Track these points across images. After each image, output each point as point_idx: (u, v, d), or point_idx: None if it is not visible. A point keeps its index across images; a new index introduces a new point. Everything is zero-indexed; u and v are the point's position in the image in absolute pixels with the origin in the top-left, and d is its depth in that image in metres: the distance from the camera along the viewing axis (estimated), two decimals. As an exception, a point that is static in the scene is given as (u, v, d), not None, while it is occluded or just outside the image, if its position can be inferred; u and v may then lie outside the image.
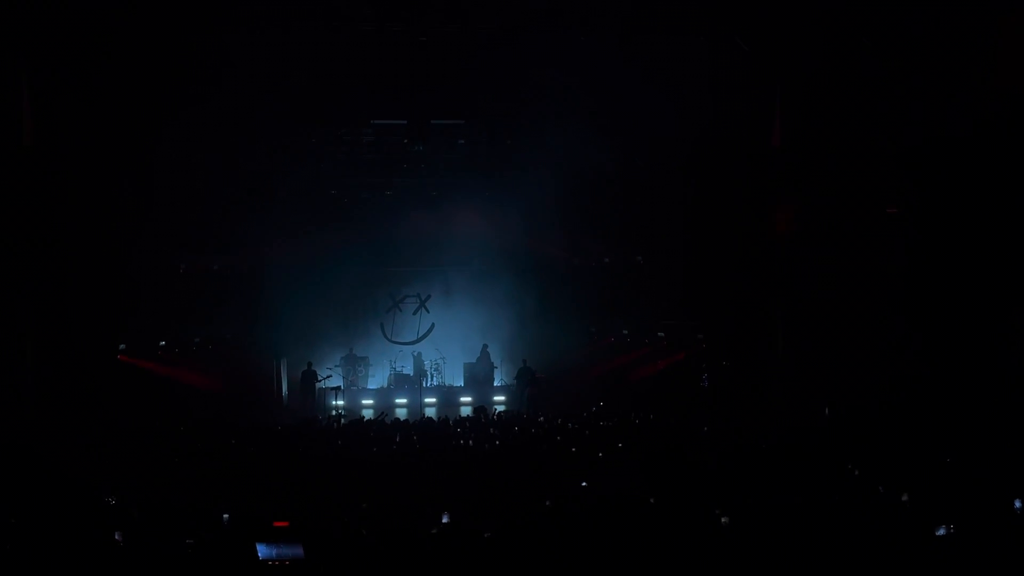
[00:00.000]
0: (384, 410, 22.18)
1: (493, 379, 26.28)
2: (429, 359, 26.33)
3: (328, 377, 24.52)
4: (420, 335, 27.06)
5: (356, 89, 20.68)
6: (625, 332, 26.21)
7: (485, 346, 26.20)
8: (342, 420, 20.02)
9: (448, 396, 25.47)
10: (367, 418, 21.11)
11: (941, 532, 8.25)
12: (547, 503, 10.52)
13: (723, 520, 9.17)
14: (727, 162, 21.28)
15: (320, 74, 20.06)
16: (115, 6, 17.77)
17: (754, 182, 20.72)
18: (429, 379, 25.93)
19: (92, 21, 17.99)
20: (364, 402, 24.90)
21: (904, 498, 9.68)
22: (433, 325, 27.01)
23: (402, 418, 20.88)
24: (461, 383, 26.33)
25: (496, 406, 23.94)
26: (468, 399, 25.12)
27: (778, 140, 19.97)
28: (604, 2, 18.31)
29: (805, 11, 18.13)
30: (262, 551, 7.79)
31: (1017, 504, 8.86)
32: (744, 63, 19.65)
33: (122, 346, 21.56)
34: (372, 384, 26.26)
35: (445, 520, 9.35)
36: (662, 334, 25.20)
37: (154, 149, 21.40)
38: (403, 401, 24.87)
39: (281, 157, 23.88)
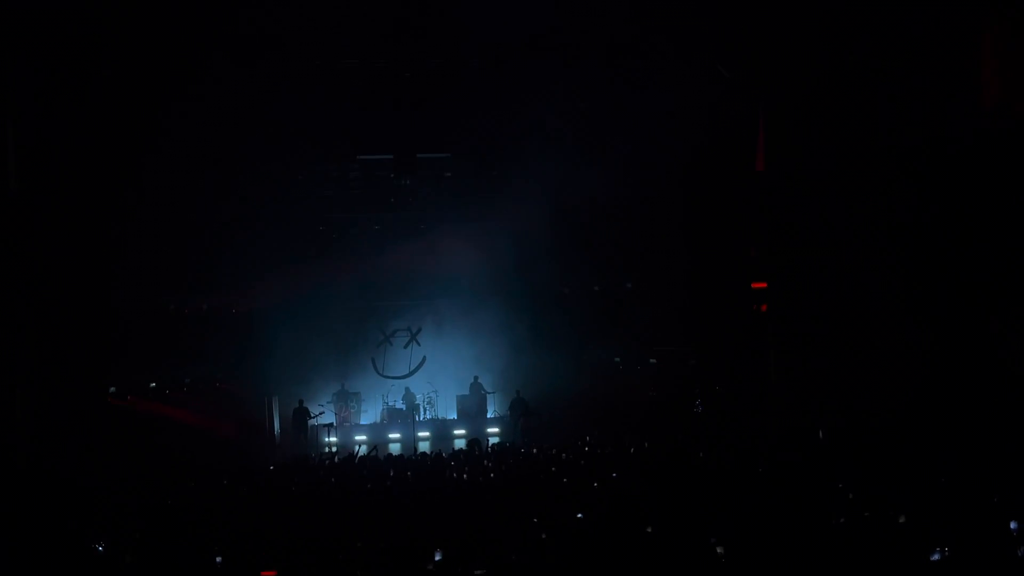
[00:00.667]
0: (375, 445, 22.03)
1: (486, 411, 26.20)
2: (421, 393, 26.24)
3: (320, 414, 24.40)
4: (412, 369, 26.99)
5: (342, 124, 20.76)
6: (617, 359, 26.18)
7: (476, 378, 26.15)
8: (335, 458, 19.88)
9: (442, 429, 25.35)
10: (360, 454, 20.96)
11: (936, 557, 8.20)
12: (542, 536, 10.45)
13: (719, 550, 9.11)
14: (714, 187, 21.37)
15: (306, 110, 20.13)
16: (96, 48, 17.81)
17: (740, 207, 20.79)
18: (422, 413, 25.82)
19: (74, 63, 18.03)
20: (357, 438, 24.75)
21: (901, 520, 9.64)
22: (424, 358, 26.96)
23: (395, 453, 20.78)
24: (454, 416, 26.22)
25: (490, 438, 23.86)
26: (462, 432, 25.01)
27: (762, 164, 20.08)
28: (585, 33, 18.43)
29: (783, 36, 18.29)
30: None
31: (1013, 525, 8.82)
32: (727, 88, 19.79)
33: (112, 388, 21.41)
34: (365, 420, 26.15)
35: (438, 558, 9.27)
36: (654, 360, 25.16)
37: (140, 189, 21.42)
38: (396, 436, 24.75)
39: (268, 194, 23.90)
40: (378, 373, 27.07)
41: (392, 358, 27.21)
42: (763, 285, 20.19)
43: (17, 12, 16.59)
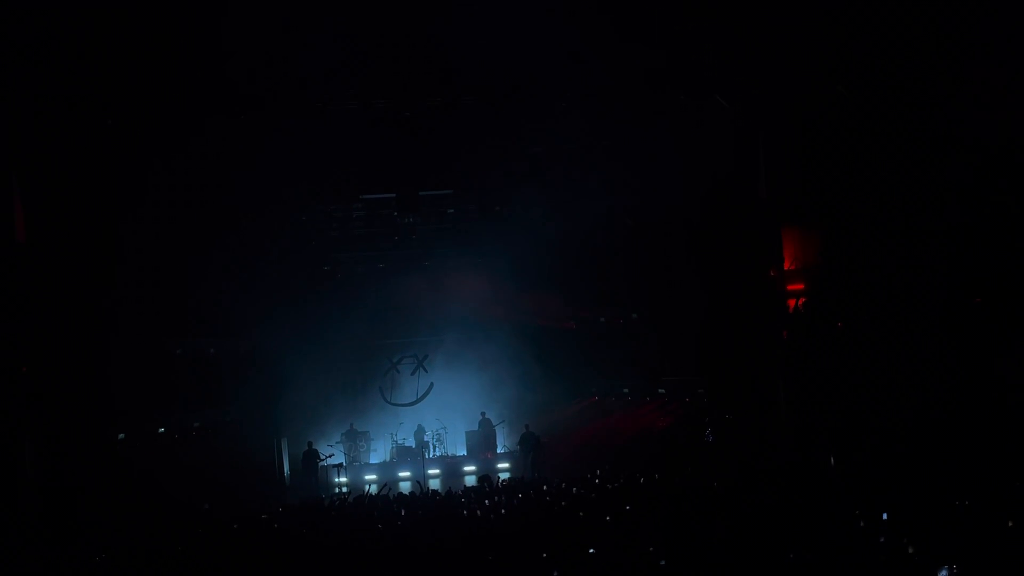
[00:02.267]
0: (388, 484, 21.93)
1: (496, 446, 26.14)
2: (431, 429, 26.19)
3: (330, 456, 24.33)
4: (419, 396, 26.94)
5: (344, 165, 20.89)
6: (625, 391, 26.13)
7: (483, 414, 26.11)
8: (347, 499, 19.80)
9: (452, 466, 25.28)
10: (371, 493, 20.91)
11: (943, 574, 8.16)
12: (555, 573, 10.38)
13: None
14: (716, 217, 21.41)
15: (307, 152, 20.26)
16: (100, 94, 17.98)
17: (743, 235, 20.81)
18: (431, 450, 25.74)
19: (78, 110, 18.20)
20: (367, 477, 24.68)
21: (910, 551, 9.58)
22: (432, 385, 26.91)
23: (406, 491, 20.69)
24: (464, 452, 26.15)
25: (500, 473, 23.76)
26: (472, 468, 24.92)
27: (764, 192, 20.13)
28: (582, 69, 18.56)
29: (779, 63, 18.41)
30: None
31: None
32: (726, 119, 19.88)
33: (121, 436, 21.38)
34: (374, 458, 26.09)
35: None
36: (663, 391, 25.09)
37: (145, 236, 21.52)
38: (406, 474, 24.66)
39: (273, 235, 24.01)
40: (386, 401, 27.05)
41: (400, 386, 27.19)
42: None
43: (19, 59, 16.78)
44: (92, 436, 19.34)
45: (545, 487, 18.34)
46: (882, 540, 10.36)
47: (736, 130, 19.82)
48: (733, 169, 20.29)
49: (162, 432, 23.36)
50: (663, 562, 10.39)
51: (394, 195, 22.83)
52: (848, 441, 18.06)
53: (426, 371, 27.02)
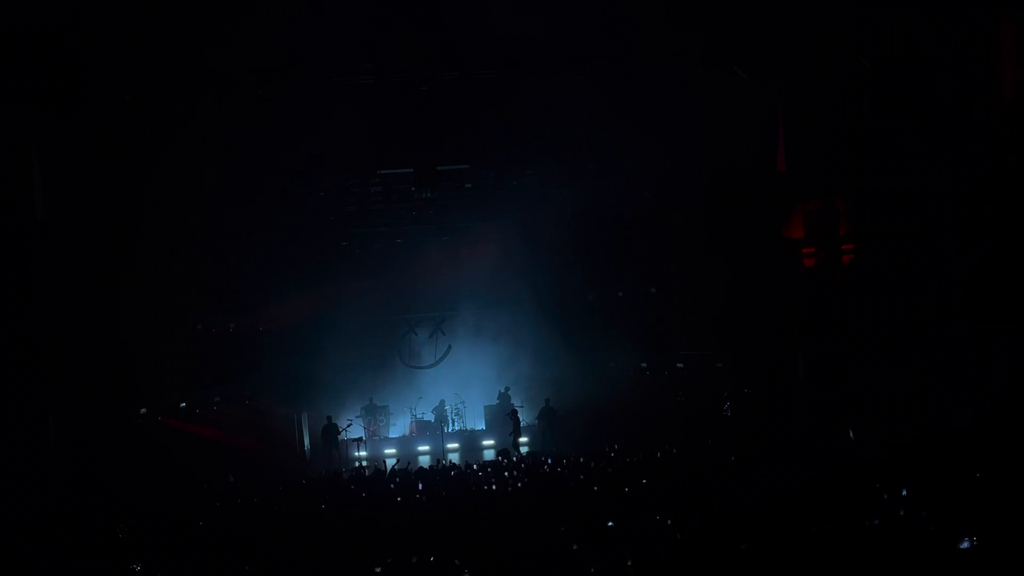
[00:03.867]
0: (408, 459, 22.08)
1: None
2: (450, 404, 26.30)
3: (348, 427, 24.46)
4: (437, 358, 27.02)
5: (361, 140, 20.82)
6: (644, 364, 26.11)
7: (507, 389, 26.18)
8: (365, 472, 19.94)
9: (470, 440, 25.39)
10: (391, 468, 21.04)
11: (965, 545, 8.14)
12: (574, 547, 10.42)
13: (748, 553, 9.06)
14: (736, 190, 21.27)
15: (325, 127, 20.21)
16: (119, 70, 17.98)
17: (763, 208, 20.67)
18: (450, 424, 25.85)
19: (98, 89, 18.21)
20: (386, 451, 24.82)
21: (932, 527, 9.55)
22: (450, 347, 27.02)
23: (425, 465, 20.81)
24: (483, 426, 26.25)
25: (520, 447, 23.84)
26: (491, 442, 25.02)
27: (783, 165, 19.95)
28: (602, 41, 18.39)
29: (799, 34, 18.20)
30: None
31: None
32: (745, 90, 19.69)
33: (143, 410, 21.57)
34: (393, 433, 26.25)
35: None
36: (681, 365, 25.06)
37: (165, 212, 21.61)
38: (425, 448, 24.78)
39: (291, 211, 24.04)
40: (404, 363, 27.17)
41: (417, 350, 27.29)
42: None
43: (39, 38, 16.80)
44: (114, 411, 19.50)
45: (563, 461, 18.39)
46: (902, 513, 10.33)
47: (755, 103, 19.62)
48: (752, 142, 20.12)
49: (183, 406, 23.55)
50: (680, 536, 10.41)
51: (411, 170, 22.74)
52: (867, 414, 17.99)
53: (443, 334, 27.09)
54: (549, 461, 18.60)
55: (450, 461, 20.31)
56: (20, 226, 18.24)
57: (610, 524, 11.63)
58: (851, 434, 17.74)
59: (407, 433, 26.06)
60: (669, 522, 11.37)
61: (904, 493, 11.42)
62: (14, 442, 17.33)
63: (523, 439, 25.14)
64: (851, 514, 10.75)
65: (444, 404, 26.20)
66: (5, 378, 17.67)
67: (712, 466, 16.08)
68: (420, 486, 16.15)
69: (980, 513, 9.63)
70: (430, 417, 26.01)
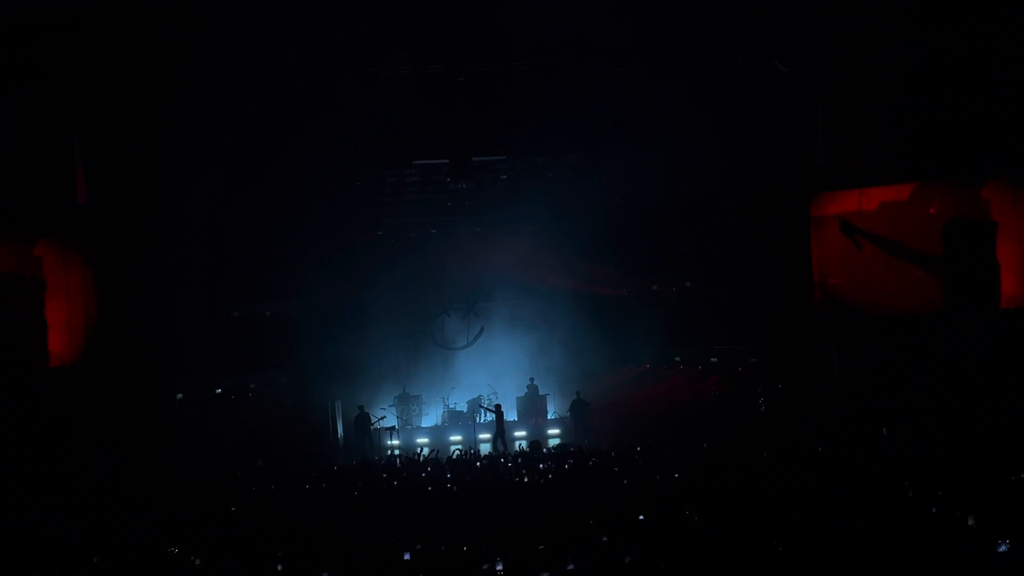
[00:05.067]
0: (438, 448, 22.19)
1: (546, 412, 26.24)
2: (484, 396, 26.39)
3: (381, 419, 24.60)
4: (470, 340, 27.11)
5: (397, 131, 20.90)
6: (677, 359, 26.00)
7: (532, 380, 26.22)
8: (397, 461, 20.08)
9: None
10: (422, 456, 21.19)
11: (1003, 548, 8.06)
12: (604, 539, 10.42)
13: (780, 550, 9.02)
14: (773, 183, 21.10)
15: (361, 117, 20.31)
16: (158, 62, 18.19)
17: (800, 201, 20.50)
18: (482, 415, 25.92)
19: (140, 79, 18.44)
20: (419, 440, 24.94)
21: (970, 522, 9.45)
22: (482, 329, 27.04)
23: (456, 455, 20.89)
24: (515, 417, 26.30)
25: (550, 439, 23.85)
26: (522, 434, 25.05)
27: (822, 158, 19.77)
28: (638, 30, 18.31)
29: (839, 28, 18.01)
30: None
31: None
32: (784, 83, 19.52)
33: (179, 395, 21.84)
34: (426, 422, 26.34)
35: (499, 568, 9.31)
36: (715, 359, 24.92)
37: (203, 199, 21.84)
38: (457, 438, 24.85)
39: (327, 200, 24.17)
40: (437, 345, 27.28)
41: (451, 330, 27.40)
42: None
43: (80, 25, 17.03)
44: (151, 396, 19.77)
45: (594, 454, 18.40)
46: (934, 511, 10.23)
47: (794, 94, 19.44)
48: (791, 135, 19.95)
49: (219, 393, 23.81)
50: (710, 533, 10.38)
51: (447, 160, 22.81)
52: (902, 412, 17.82)
53: (476, 316, 27.17)
54: (581, 454, 18.61)
55: (474, 451, 20.41)
56: (63, 211, 18.54)
57: (641, 518, 11.63)
58: (884, 431, 17.58)
59: (439, 423, 26.17)
60: (697, 518, 11.35)
61: (940, 493, 11.31)
62: (56, 425, 17.65)
63: (555, 431, 25.15)
64: (884, 513, 10.66)
65: (481, 399, 26.30)
66: (47, 363, 18.02)
67: (744, 462, 16.00)
68: (448, 475, 16.23)
69: (1019, 516, 9.51)
70: (463, 407, 26.09)
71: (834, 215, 19.78)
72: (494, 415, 23.80)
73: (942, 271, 18.55)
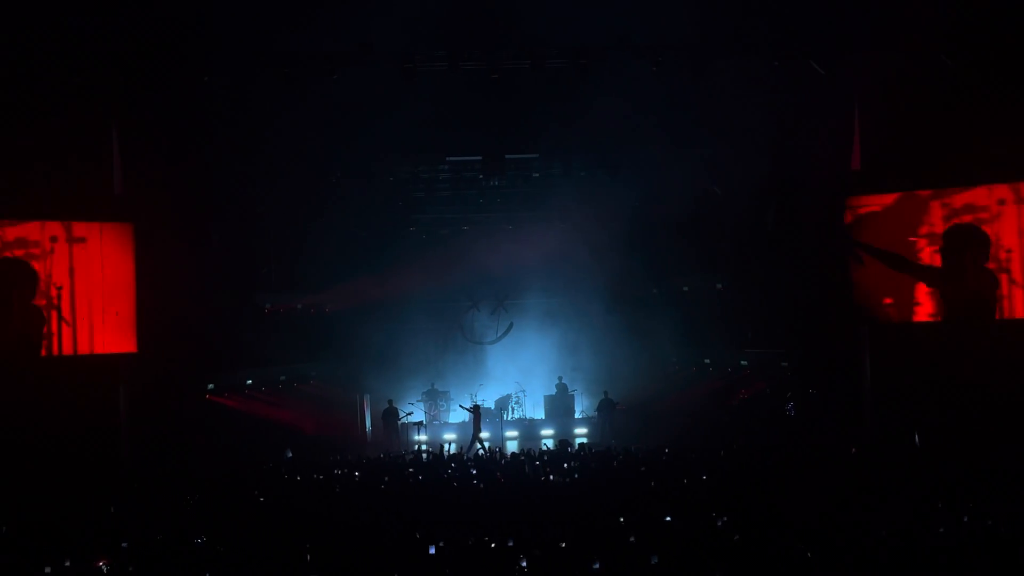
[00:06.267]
0: (462, 444, 22.25)
1: (574, 411, 26.21)
2: (512, 394, 26.42)
3: (409, 415, 24.68)
4: (499, 335, 27.15)
5: (431, 127, 20.95)
6: (707, 361, 25.86)
7: (560, 378, 26.20)
8: (424, 456, 20.15)
9: (529, 429, 25.44)
10: (449, 452, 21.25)
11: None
12: (631, 539, 10.40)
13: (808, 555, 8.96)
14: (808, 186, 20.92)
15: (395, 113, 20.38)
16: (197, 53, 18.35)
17: (834, 205, 20.29)
18: (510, 412, 25.95)
19: (178, 71, 18.60)
20: (446, 436, 25.02)
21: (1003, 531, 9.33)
22: (511, 324, 27.10)
23: (483, 452, 20.94)
24: (542, 415, 26.31)
25: (577, 438, 23.82)
26: (549, 432, 25.04)
27: (858, 163, 19.57)
28: (675, 30, 18.24)
29: (880, 30, 17.82)
30: None
31: None
32: (820, 86, 19.35)
33: (210, 386, 22.02)
34: (453, 418, 26.41)
35: (524, 564, 9.32)
36: (745, 363, 24.76)
37: (237, 193, 22.01)
38: (485, 435, 24.89)
39: (360, 195, 24.29)
40: (466, 339, 27.36)
41: (480, 325, 27.47)
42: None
43: (120, 18, 17.21)
44: (182, 386, 19.93)
45: (622, 454, 18.35)
46: (966, 519, 10.12)
47: (830, 96, 19.26)
48: (826, 137, 19.76)
49: (249, 384, 23.99)
50: (737, 537, 10.32)
51: (480, 157, 22.85)
52: (935, 420, 17.61)
53: (505, 311, 27.21)
54: (609, 454, 18.56)
55: (498, 449, 20.44)
56: (99, 201, 18.74)
57: (668, 519, 11.59)
58: (917, 439, 17.38)
59: (467, 420, 26.22)
60: (725, 519, 11.29)
61: (970, 504, 11.19)
62: (87, 416, 17.84)
63: (582, 430, 25.11)
64: (913, 521, 10.56)
65: (510, 398, 26.34)
66: (79, 351, 18.23)
67: (772, 465, 15.90)
68: (473, 471, 16.25)
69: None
70: (491, 405, 26.13)
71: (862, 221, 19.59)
72: (470, 414, 23.79)
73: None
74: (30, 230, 17.96)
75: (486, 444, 22.83)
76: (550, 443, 22.41)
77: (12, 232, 17.84)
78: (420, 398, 25.99)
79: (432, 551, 9.99)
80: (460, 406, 24.71)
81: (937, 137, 18.04)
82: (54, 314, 18.11)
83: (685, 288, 26.36)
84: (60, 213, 18.23)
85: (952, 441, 16.54)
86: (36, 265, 17.96)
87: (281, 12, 17.54)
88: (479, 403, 24.77)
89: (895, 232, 19.05)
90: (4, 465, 16.04)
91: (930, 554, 8.99)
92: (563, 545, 10.07)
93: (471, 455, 20.67)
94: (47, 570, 9.84)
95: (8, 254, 17.80)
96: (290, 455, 20.73)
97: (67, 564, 10.07)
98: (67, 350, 18.33)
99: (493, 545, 10.11)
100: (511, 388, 26.49)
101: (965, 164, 18.10)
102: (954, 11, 17.08)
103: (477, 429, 23.33)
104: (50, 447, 16.74)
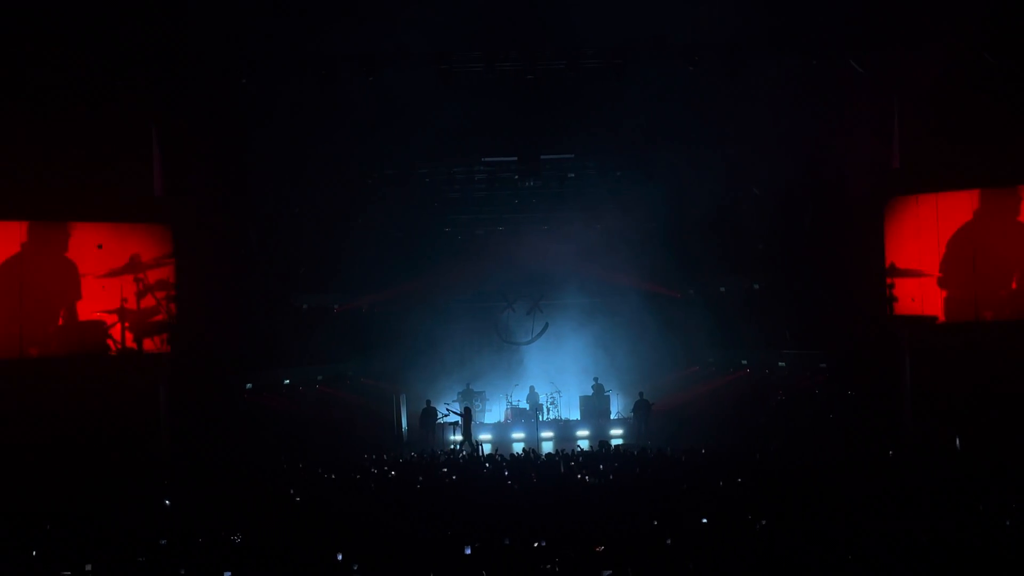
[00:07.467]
0: (497, 446, 22.30)
1: (609, 412, 26.16)
2: (544, 392, 26.42)
3: (446, 416, 24.78)
4: (535, 335, 27.18)
5: (467, 127, 21.00)
6: (744, 362, 25.69)
7: (596, 379, 26.16)
8: (461, 456, 20.20)
9: (564, 430, 25.43)
10: (486, 452, 21.32)
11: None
12: (667, 541, 10.35)
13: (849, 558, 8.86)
14: (845, 186, 20.70)
15: (431, 114, 20.45)
16: (234, 58, 18.51)
17: (873, 205, 20.06)
18: (545, 413, 25.95)
19: (216, 75, 18.78)
20: (482, 436, 25.06)
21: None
22: (547, 324, 27.15)
23: (518, 452, 20.96)
24: (577, 416, 26.28)
25: (613, 439, 23.77)
26: (585, 432, 25.02)
27: (897, 162, 19.34)
28: (711, 30, 18.12)
29: (920, 27, 17.59)
30: None
31: None
32: (859, 85, 19.13)
33: (248, 385, 22.23)
34: (489, 419, 26.46)
35: (557, 567, 9.30)
36: (783, 364, 24.56)
37: (275, 193, 22.19)
38: (520, 435, 24.92)
39: (395, 196, 24.39)
40: (501, 339, 27.40)
41: (515, 325, 27.48)
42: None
43: (160, 22, 17.41)
44: (221, 385, 20.14)
45: (658, 455, 18.27)
46: (1008, 524, 9.96)
47: (870, 97, 19.04)
48: (865, 137, 19.54)
49: (287, 383, 24.19)
50: (775, 539, 10.24)
51: (515, 158, 22.85)
52: (977, 422, 17.35)
53: (541, 311, 27.22)
54: (646, 455, 18.47)
55: (532, 451, 20.44)
56: (140, 203, 18.99)
57: (704, 521, 11.52)
58: (958, 442, 17.14)
59: (502, 420, 26.26)
60: (763, 522, 11.20)
61: (1014, 506, 11.01)
62: (128, 413, 18.08)
63: (618, 431, 25.04)
64: (953, 523, 10.42)
65: (534, 390, 26.33)
66: (121, 348, 18.47)
67: (810, 467, 15.74)
68: (505, 472, 16.26)
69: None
70: (525, 405, 26.16)
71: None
72: (460, 417, 23.75)
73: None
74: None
75: (484, 447, 22.87)
76: (585, 444, 22.36)
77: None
78: (456, 398, 26.07)
79: (468, 552, 10.00)
80: (448, 409, 24.60)
81: (979, 134, 17.78)
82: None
83: (721, 288, 26.21)
84: (101, 215, 18.49)
85: (993, 444, 16.28)
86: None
87: (318, 15, 17.65)
88: (512, 403, 24.75)
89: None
90: (44, 461, 16.27)
91: (971, 558, 8.86)
92: (599, 549, 10.04)
93: (463, 455, 20.71)
94: (87, 567, 9.96)
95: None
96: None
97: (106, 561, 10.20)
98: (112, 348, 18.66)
99: (533, 545, 10.10)
100: (546, 389, 26.48)
101: (1010, 161, 17.84)
102: (995, 6, 16.81)
103: (467, 431, 23.34)
104: (89, 443, 17.01)
